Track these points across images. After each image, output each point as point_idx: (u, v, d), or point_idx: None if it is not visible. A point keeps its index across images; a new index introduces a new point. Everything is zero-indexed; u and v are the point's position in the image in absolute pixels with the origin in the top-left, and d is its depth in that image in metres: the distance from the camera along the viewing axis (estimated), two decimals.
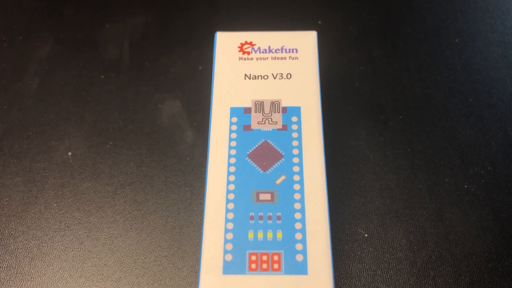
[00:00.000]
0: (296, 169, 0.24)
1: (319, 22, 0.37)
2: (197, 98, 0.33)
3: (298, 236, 0.22)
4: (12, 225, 0.28)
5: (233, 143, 0.25)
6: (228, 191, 0.23)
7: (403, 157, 0.31)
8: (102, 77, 0.34)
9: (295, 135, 0.25)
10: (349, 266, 0.27)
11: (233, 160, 0.24)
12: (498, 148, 0.31)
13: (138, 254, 0.27)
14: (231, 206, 0.23)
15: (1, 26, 0.36)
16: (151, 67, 0.34)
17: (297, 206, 0.23)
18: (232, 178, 0.24)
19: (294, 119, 0.25)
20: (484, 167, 0.30)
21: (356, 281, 0.27)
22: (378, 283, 0.27)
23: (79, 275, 0.27)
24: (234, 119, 0.25)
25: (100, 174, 0.30)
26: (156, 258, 0.27)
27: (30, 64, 0.34)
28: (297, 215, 0.23)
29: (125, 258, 0.27)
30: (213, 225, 0.23)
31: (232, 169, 0.24)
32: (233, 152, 0.24)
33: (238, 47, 0.28)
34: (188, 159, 0.30)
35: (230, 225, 0.23)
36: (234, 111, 0.26)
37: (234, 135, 0.25)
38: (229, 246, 0.22)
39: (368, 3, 0.38)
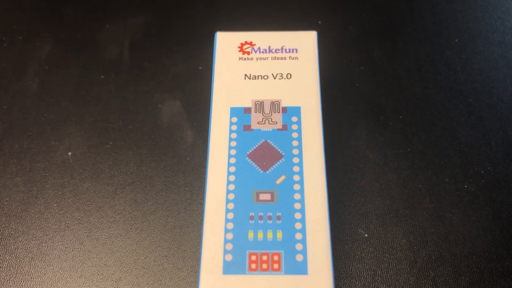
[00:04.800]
0: (296, 169, 0.24)
1: (319, 22, 0.37)
2: (197, 98, 0.33)
3: (298, 236, 0.22)
4: (12, 225, 0.28)
5: (233, 143, 0.25)
6: (228, 191, 0.23)
7: (403, 157, 0.31)
8: (102, 77, 0.34)
9: (295, 135, 0.25)
10: (349, 266, 0.27)
11: (233, 160, 0.24)
12: (498, 148, 0.31)
13: (138, 254, 0.27)
14: (231, 206, 0.23)
15: (1, 26, 0.36)
16: (151, 67, 0.34)
17: (297, 206, 0.23)
18: (232, 178, 0.24)
19: (294, 119, 0.25)
20: (484, 167, 0.30)
21: (356, 281, 0.27)
22: (378, 283, 0.27)
23: (79, 275, 0.27)
24: (234, 119, 0.25)
25: (100, 174, 0.30)
26: (156, 258, 0.27)
27: (30, 64, 0.34)
28: (297, 215, 0.23)
29: (125, 258, 0.27)
30: (213, 225, 0.23)
31: (232, 169, 0.24)
32: (233, 152, 0.24)
33: (238, 47, 0.28)
34: (188, 159, 0.30)
35: (230, 225, 0.23)
36: (234, 111, 0.26)
37: (234, 135, 0.25)
38: (229, 246, 0.22)
39: (368, 3, 0.38)
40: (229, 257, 0.22)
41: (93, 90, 0.33)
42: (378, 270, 0.27)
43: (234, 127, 0.25)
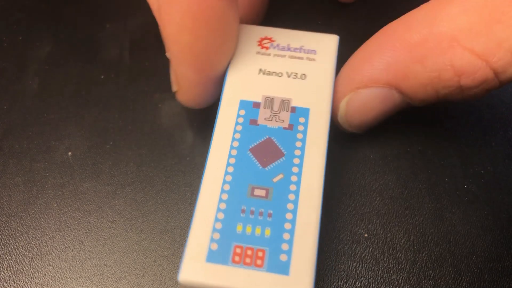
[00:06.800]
0: (295, 170, 0.24)
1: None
2: None
3: (286, 236, 0.22)
4: (12, 225, 0.28)
5: (237, 135, 0.25)
6: (225, 182, 0.23)
7: (403, 157, 0.31)
8: (102, 77, 0.34)
9: (299, 136, 0.25)
10: (349, 266, 0.27)
11: (234, 152, 0.24)
12: (498, 148, 0.31)
13: (138, 254, 0.27)
14: (225, 196, 0.23)
15: (1, 26, 0.36)
16: (151, 67, 0.34)
17: (290, 206, 0.23)
18: (230, 169, 0.24)
19: (302, 120, 0.25)
20: (484, 167, 0.30)
21: (356, 281, 0.27)
22: (378, 283, 0.27)
23: (79, 275, 0.27)
24: (242, 112, 0.25)
25: (100, 174, 0.30)
26: (156, 258, 0.27)
27: (30, 64, 0.34)
28: (288, 216, 0.23)
29: (125, 258, 0.27)
30: (204, 213, 0.23)
31: (232, 160, 0.24)
32: (236, 144, 0.24)
33: (258, 41, 0.28)
34: (188, 159, 0.30)
35: (221, 215, 0.23)
36: (243, 104, 0.26)
37: (239, 128, 0.25)
38: (216, 236, 0.22)
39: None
40: (214, 246, 0.22)
41: (93, 90, 0.33)
42: (378, 270, 0.27)
43: (241, 120, 0.25)
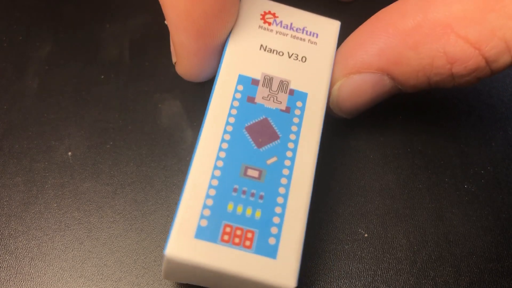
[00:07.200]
0: (289, 154, 0.24)
1: None
2: (197, 98, 0.33)
3: (276, 220, 0.22)
4: (12, 225, 0.28)
5: (234, 111, 0.24)
6: (218, 158, 0.23)
7: (403, 157, 0.31)
8: (102, 77, 0.34)
9: (296, 120, 0.25)
10: (349, 266, 0.27)
11: (229, 128, 0.24)
12: (498, 148, 0.31)
13: (138, 254, 0.27)
14: (217, 173, 0.23)
15: (1, 26, 0.36)
16: (151, 67, 0.34)
17: (281, 190, 0.23)
18: (225, 146, 0.23)
19: (299, 104, 0.25)
20: (484, 167, 0.31)
21: (356, 281, 0.27)
22: (378, 283, 0.27)
23: (79, 275, 0.27)
24: (240, 87, 0.25)
25: (100, 174, 0.30)
26: (156, 258, 0.27)
27: (30, 64, 0.34)
28: (280, 200, 0.23)
29: (125, 258, 0.27)
30: (196, 188, 0.22)
31: (227, 137, 0.24)
32: (232, 120, 0.24)
33: (261, 14, 0.27)
34: (188, 159, 0.30)
35: (212, 192, 0.22)
36: (241, 79, 0.25)
37: (236, 103, 0.25)
38: (207, 212, 0.22)
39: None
40: (204, 223, 0.22)
41: (93, 90, 0.33)
42: (378, 270, 0.27)
43: (238, 95, 0.25)
